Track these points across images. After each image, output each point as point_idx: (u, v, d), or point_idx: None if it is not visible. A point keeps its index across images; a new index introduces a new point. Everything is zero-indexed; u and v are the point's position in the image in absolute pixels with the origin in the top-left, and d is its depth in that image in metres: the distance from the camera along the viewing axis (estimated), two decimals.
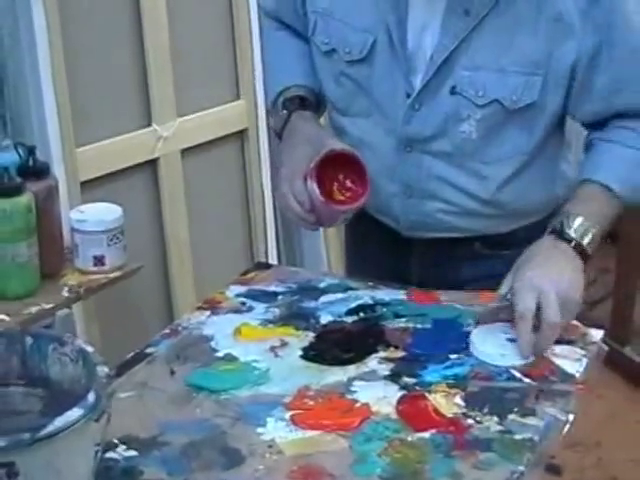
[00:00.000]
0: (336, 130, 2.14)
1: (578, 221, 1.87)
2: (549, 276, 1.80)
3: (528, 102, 1.89)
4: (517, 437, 1.56)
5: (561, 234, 1.87)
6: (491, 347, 1.80)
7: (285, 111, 2.08)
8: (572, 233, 1.87)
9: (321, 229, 3.31)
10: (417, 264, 2.16)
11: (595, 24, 1.83)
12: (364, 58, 1.96)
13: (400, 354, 1.81)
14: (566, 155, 2.11)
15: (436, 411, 1.63)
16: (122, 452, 1.52)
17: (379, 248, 2.22)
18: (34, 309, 2.24)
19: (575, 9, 1.81)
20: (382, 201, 2.09)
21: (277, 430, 1.59)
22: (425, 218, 2.06)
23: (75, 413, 1.29)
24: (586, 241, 1.87)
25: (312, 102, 2.11)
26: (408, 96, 1.94)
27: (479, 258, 2.11)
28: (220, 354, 1.83)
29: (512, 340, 1.80)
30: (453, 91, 1.90)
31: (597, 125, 1.98)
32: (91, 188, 2.79)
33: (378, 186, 2.04)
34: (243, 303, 2.01)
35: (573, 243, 1.87)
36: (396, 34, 1.91)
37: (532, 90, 1.88)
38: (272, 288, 2.07)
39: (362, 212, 2.12)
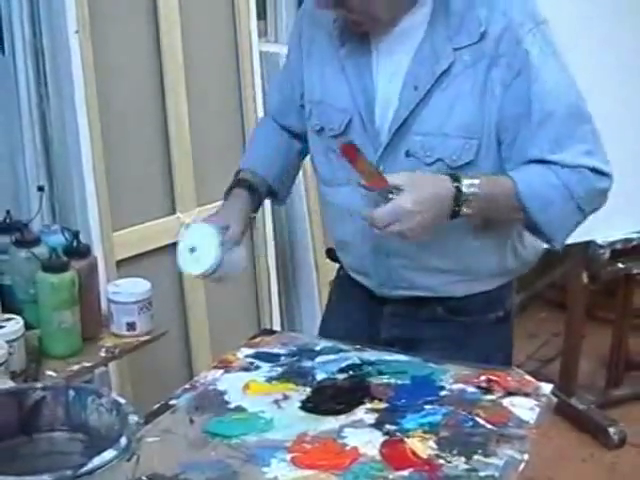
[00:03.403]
0: (323, 200, 2.17)
1: (475, 181, 1.82)
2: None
3: (466, 161, 1.88)
4: (481, 474, 1.56)
5: (453, 176, 1.82)
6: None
7: (233, 184, 2.17)
8: (462, 180, 1.81)
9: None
10: (386, 323, 2.13)
11: (516, 96, 1.84)
12: (342, 132, 1.99)
13: (383, 405, 1.81)
14: (520, 236, 2.05)
15: (413, 453, 1.63)
16: None
17: (355, 308, 2.19)
18: (76, 367, 2.22)
19: (501, 82, 1.84)
20: (358, 260, 2.09)
21: (279, 469, 1.59)
22: (392, 274, 2.04)
23: (110, 454, 1.29)
24: (465, 190, 1.80)
25: (255, 187, 2.15)
26: (375, 160, 1.93)
27: (439, 321, 2.08)
28: (232, 406, 1.82)
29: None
30: (407, 154, 1.91)
31: None
32: (125, 266, 2.79)
33: (355, 247, 2.07)
34: (251, 363, 2.00)
35: (456, 184, 1.80)
36: (365, 113, 1.95)
37: (469, 151, 1.88)
38: (276, 350, 2.07)
39: (345, 274, 2.17)
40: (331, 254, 2.27)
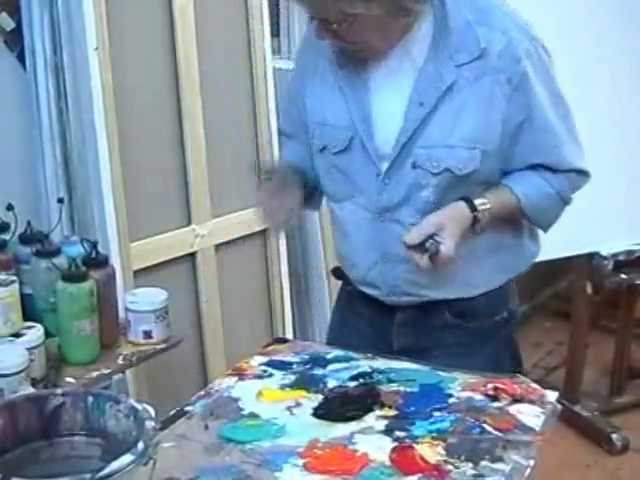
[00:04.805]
0: (331, 216, 2.19)
1: (485, 200, 1.97)
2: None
3: (471, 170, 1.95)
4: (488, 479, 1.56)
5: (467, 199, 1.96)
6: None
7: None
8: (476, 201, 1.96)
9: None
10: (397, 334, 2.14)
11: (519, 106, 1.94)
12: (344, 149, 2.03)
13: (393, 413, 1.80)
14: (531, 244, 2.15)
15: (422, 459, 1.62)
16: None
17: (364, 324, 2.20)
18: (95, 374, 2.23)
19: (502, 95, 1.92)
20: (365, 271, 2.10)
21: (292, 474, 1.59)
22: (399, 281, 2.06)
23: (127, 458, 1.29)
24: (479, 207, 1.96)
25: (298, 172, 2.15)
26: (378, 175, 1.99)
27: (449, 327, 2.10)
28: (245, 412, 1.82)
29: None
30: (414, 165, 1.96)
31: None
32: (142, 275, 2.79)
33: (361, 258, 2.09)
34: (264, 371, 2.00)
35: (470, 204, 1.96)
36: (363, 130, 2.00)
37: (474, 160, 1.94)
38: (288, 358, 2.06)
39: (351, 287, 2.18)
40: (337, 273, 2.28)
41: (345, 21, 1.86)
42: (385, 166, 1.99)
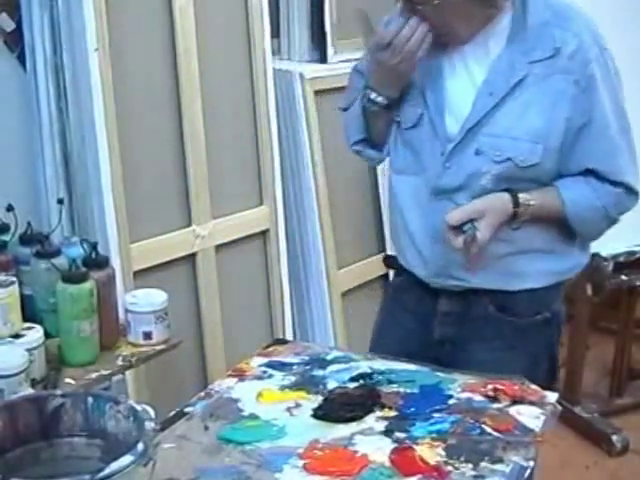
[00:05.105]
0: (391, 193, 2.25)
1: (529, 196, 2.02)
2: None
3: (532, 163, 2.00)
4: None
5: (512, 192, 2.01)
6: None
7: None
8: (521, 195, 2.01)
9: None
10: (439, 323, 2.18)
11: (583, 108, 2.00)
12: (414, 125, 2.11)
13: (393, 414, 1.81)
14: (580, 254, 2.20)
15: (422, 460, 1.63)
16: None
17: (409, 317, 2.25)
18: (94, 375, 2.23)
19: (569, 95, 1.98)
20: (417, 250, 2.15)
21: (292, 475, 1.59)
22: (447, 262, 2.09)
23: (127, 459, 1.29)
24: (522, 201, 2.01)
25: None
26: (442, 154, 2.06)
27: (491, 320, 2.14)
28: (245, 413, 1.82)
29: None
30: (477, 152, 2.02)
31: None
32: (142, 276, 2.79)
33: (415, 234, 2.15)
34: (264, 372, 2.00)
35: (514, 199, 2.00)
36: (434, 112, 2.07)
37: (535, 155, 2.00)
38: (288, 359, 2.07)
39: (400, 279, 2.28)
40: (387, 261, 2.32)
41: (428, 3, 1.94)
42: (450, 147, 2.05)
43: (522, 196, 2.01)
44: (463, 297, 2.14)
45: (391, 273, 2.35)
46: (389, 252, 2.32)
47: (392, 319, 2.33)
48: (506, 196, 2.01)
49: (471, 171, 2.03)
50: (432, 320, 2.19)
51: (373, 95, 2.13)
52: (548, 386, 1.93)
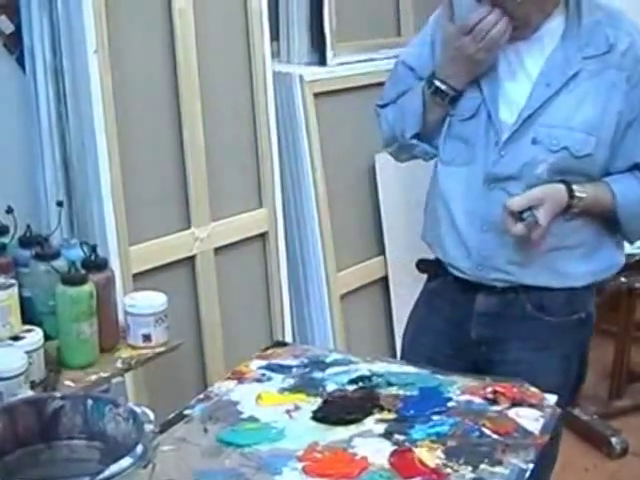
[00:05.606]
0: (434, 184, 2.29)
1: (583, 188, 2.09)
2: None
3: (587, 153, 2.08)
4: None
5: (567, 183, 2.07)
6: None
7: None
8: (575, 187, 2.08)
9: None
10: (476, 323, 2.21)
11: (633, 103, 2.10)
12: (471, 117, 2.18)
13: (392, 416, 1.81)
14: (617, 254, 2.25)
15: (421, 462, 1.63)
16: None
17: (443, 320, 2.29)
18: (94, 377, 2.23)
19: (621, 90, 2.08)
20: (460, 239, 2.18)
21: (291, 478, 1.59)
22: (493, 252, 2.13)
23: (126, 462, 1.29)
24: (576, 193, 2.07)
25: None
26: (496, 144, 2.11)
27: (527, 319, 2.17)
28: (245, 416, 1.82)
29: None
30: (534, 141, 2.09)
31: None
32: (141, 279, 2.79)
33: (460, 224, 2.19)
34: (264, 374, 2.00)
35: (568, 188, 2.07)
36: (490, 103, 2.14)
37: (589, 145, 2.08)
38: (288, 362, 2.07)
39: (434, 284, 2.32)
40: (421, 265, 2.33)
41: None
42: (505, 136, 2.11)
43: (576, 188, 2.07)
44: (502, 295, 2.18)
45: (392, 276, 2.34)
46: (423, 256, 2.31)
47: (425, 325, 2.36)
48: (562, 187, 2.07)
49: (526, 160, 2.08)
50: (467, 322, 2.22)
51: (444, 87, 2.17)
52: (575, 388, 1.96)
